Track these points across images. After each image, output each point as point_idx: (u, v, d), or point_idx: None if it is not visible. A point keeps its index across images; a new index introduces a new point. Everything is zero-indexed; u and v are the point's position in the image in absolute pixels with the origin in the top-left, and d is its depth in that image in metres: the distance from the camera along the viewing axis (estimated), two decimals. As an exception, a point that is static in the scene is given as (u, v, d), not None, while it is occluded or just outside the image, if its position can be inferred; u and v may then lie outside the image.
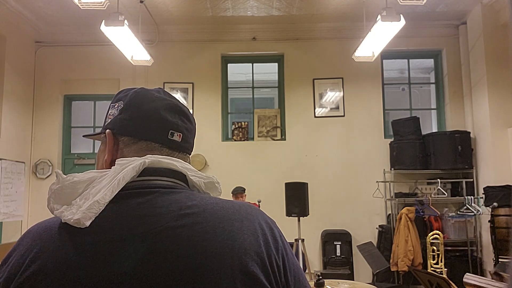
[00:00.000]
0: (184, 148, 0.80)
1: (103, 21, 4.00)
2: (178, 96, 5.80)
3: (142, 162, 0.70)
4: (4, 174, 4.99)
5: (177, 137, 0.78)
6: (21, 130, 5.49)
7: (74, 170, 5.82)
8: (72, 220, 0.63)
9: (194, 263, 0.62)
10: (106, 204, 0.65)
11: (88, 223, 0.63)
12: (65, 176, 0.69)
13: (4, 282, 0.64)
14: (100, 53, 5.72)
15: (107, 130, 0.78)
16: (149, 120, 0.77)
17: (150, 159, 0.71)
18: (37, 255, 0.63)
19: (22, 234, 0.70)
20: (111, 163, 0.74)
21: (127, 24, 4.07)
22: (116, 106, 0.80)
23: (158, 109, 0.78)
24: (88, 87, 5.91)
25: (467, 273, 1.45)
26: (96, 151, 6.29)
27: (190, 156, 0.84)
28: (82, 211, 0.63)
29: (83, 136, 0.91)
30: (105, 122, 0.81)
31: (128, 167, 0.69)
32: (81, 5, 4.19)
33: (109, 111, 0.81)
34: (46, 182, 5.66)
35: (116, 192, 0.67)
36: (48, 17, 5.47)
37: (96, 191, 0.66)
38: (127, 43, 4.47)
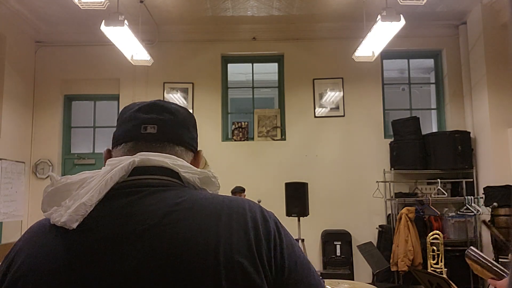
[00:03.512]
0: (164, 139, 0.78)
1: (103, 21, 4.00)
2: (178, 96, 5.80)
3: (131, 161, 0.71)
4: (4, 174, 4.99)
5: (151, 129, 0.77)
6: (21, 130, 5.49)
7: (74, 170, 5.83)
8: (59, 223, 0.64)
9: (178, 260, 0.62)
10: (93, 206, 0.66)
11: (74, 225, 0.64)
12: (58, 178, 0.70)
13: (2, 277, 0.66)
14: (100, 53, 5.72)
15: (105, 148, 0.84)
16: (126, 123, 0.80)
17: (139, 158, 0.72)
18: (30, 252, 0.65)
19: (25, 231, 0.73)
20: None
21: (127, 24, 4.07)
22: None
23: (133, 112, 0.81)
24: (88, 87, 5.91)
25: (471, 247, 1.45)
26: (96, 151, 6.29)
27: (194, 149, 0.84)
28: (68, 214, 0.64)
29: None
30: None
31: (117, 167, 0.70)
32: (81, 5, 4.19)
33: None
34: (46, 182, 5.65)
35: (104, 193, 0.67)
36: (48, 17, 5.47)
37: (84, 192, 0.67)
38: (127, 43, 4.47)
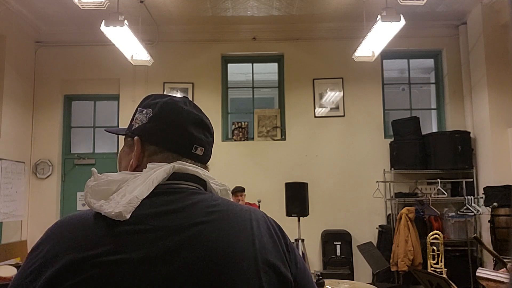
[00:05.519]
0: (204, 161, 0.88)
1: (103, 21, 4.00)
2: (178, 96, 5.80)
3: (172, 166, 0.78)
4: (4, 174, 4.99)
5: (199, 151, 0.85)
6: (21, 130, 5.48)
7: (74, 170, 5.83)
8: (113, 213, 0.68)
9: (222, 253, 0.68)
10: (140, 201, 0.71)
11: (128, 216, 0.69)
12: (100, 174, 0.75)
13: (36, 271, 0.65)
14: (100, 53, 5.72)
15: (136, 137, 0.83)
16: (176, 133, 0.83)
17: (178, 165, 0.79)
18: (75, 244, 0.66)
19: (52, 225, 0.73)
20: (137, 168, 0.82)
21: (127, 24, 4.07)
22: (144, 112, 0.86)
23: (185, 123, 0.84)
24: (88, 87, 5.91)
25: (479, 268, 1.48)
26: (96, 151, 6.26)
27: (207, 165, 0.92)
28: (122, 205, 0.69)
29: (106, 130, 0.98)
30: (131, 124, 0.87)
31: (159, 170, 0.76)
32: (81, 5, 4.19)
33: (137, 115, 0.87)
34: (46, 182, 5.66)
35: (151, 190, 0.73)
36: (48, 17, 5.47)
37: (131, 188, 0.72)
38: (127, 43, 4.48)
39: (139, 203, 0.70)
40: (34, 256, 0.67)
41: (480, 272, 1.44)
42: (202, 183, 0.82)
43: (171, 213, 0.71)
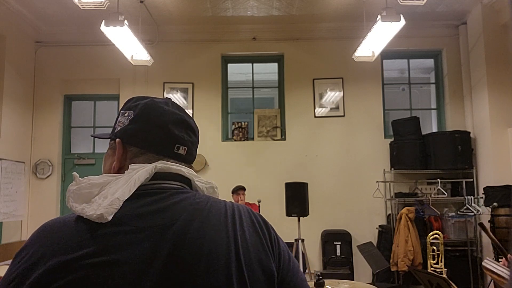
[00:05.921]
0: (188, 160, 0.87)
1: (103, 21, 4.00)
2: (178, 96, 5.80)
3: (154, 166, 0.78)
4: (4, 174, 4.99)
5: (182, 151, 0.84)
6: (21, 130, 5.49)
7: (74, 170, 5.82)
8: (94, 216, 0.68)
9: (205, 250, 0.69)
10: (122, 202, 0.71)
11: (110, 218, 0.68)
12: (81, 178, 0.75)
13: (20, 276, 0.65)
14: (100, 53, 5.72)
15: (117, 139, 0.83)
16: (157, 133, 0.83)
17: (160, 165, 0.79)
18: (58, 248, 0.66)
19: (36, 229, 0.72)
20: (119, 170, 0.81)
21: (127, 24, 4.07)
22: (126, 114, 0.85)
23: (166, 123, 0.83)
24: (88, 87, 5.91)
25: (487, 258, 1.47)
26: (96, 151, 6.25)
27: (192, 165, 0.91)
28: (104, 207, 0.69)
29: (91, 135, 0.99)
30: (114, 128, 0.87)
31: (141, 170, 0.76)
32: (81, 5, 4.20)
33: (119, 118, 0.87)
34: (46, 182, 5.66)
35: (133, 191, 0.73)
36: (48, 17, 5.47)
37: (113, 190, 0.72)
38: (127, 43, 4.48)
39: (121, 204, 0.70)
40: (19, 261, 0.67)
41: (487, 263, 1.43)
42: (187, 181, 0.82)
43: (154, 213, 0.71)
